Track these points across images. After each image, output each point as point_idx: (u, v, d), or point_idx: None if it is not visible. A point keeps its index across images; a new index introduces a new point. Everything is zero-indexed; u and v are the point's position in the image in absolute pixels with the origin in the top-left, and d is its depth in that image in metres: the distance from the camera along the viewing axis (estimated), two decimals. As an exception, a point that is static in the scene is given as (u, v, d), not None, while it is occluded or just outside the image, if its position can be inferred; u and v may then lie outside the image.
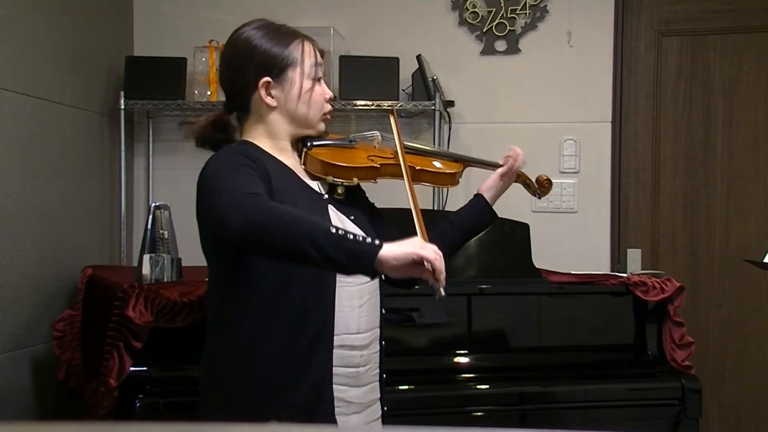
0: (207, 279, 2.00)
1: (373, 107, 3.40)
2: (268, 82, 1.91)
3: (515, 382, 2.71)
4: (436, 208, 3.42)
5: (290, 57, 1.92)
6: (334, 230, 1.66)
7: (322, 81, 1.99)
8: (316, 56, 1.97)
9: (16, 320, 2.82)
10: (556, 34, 3.60)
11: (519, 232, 2.92)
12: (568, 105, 3.60)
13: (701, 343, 3.30)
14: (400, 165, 1.99)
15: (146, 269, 2.65)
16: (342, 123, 3.53)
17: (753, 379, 3.54)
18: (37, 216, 2.93)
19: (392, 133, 2.06)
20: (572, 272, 2.94)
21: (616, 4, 3.60)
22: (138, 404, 2.38)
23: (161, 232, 2.67)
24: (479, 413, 2.65)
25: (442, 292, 1.69)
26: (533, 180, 2.25)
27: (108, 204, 3.49)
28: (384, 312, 2.01)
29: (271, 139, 1.95)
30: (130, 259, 3.49)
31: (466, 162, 2.20)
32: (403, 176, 1.97)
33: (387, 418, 2.02)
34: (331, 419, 1.87)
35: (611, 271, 3.31)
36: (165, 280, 2.66)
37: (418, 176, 2.06)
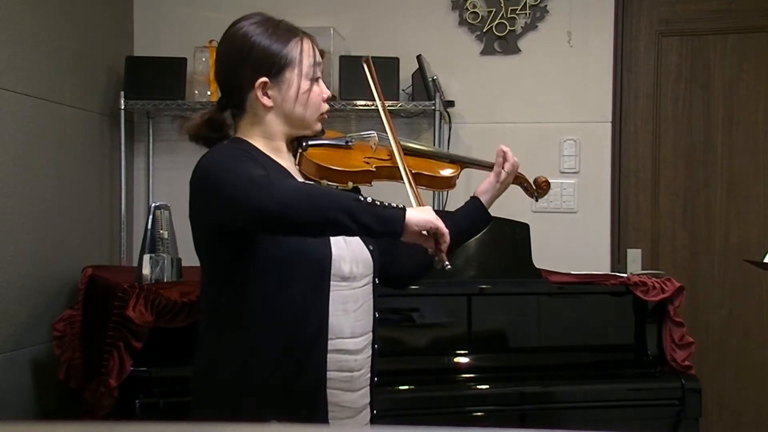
0: (200, 280, 1.97)
1: (373, 107, 3.40)
2: (265, 83, 1.88)
3: (515, 382, 2.71)
4: (435, 209, 3.42)
5: (288, 56, 1.89)
6: (362, 198, 1.69)
7: (320, 80, 1.95)
8: (314, 55, 1.93)
9: (16, 320, 2.82)
10: (556, 34, 3.60)
11: (519, 232, 2.92)
12: (568, 105, 3.60)
13: (701, 343, 3.30)
14: (395, 167, 1.97)
15: (146, 269, 2.65)
16: (342, 123, 3.53)
17: (753, 379, 3.54)
18: (37, 216, 2.93)
19: (371, 84, 2.05)
20: (572, 272, 2.94)
21: (616, 4, 3.60)
22: (138, 404, 2.39)
23: (161, 232, 2.67)
24: (479, 413, 2.65)
25: (448, 264, 1.75)
26: (531, 182, 2.23)
27: (108, 204, 3.49)
28: (377, 315, 2.00)
29: (266, 139, 1.93)
30: (130, 259, 3.49)
31: (464, 163, 2.17)
32: (399, 178, 1.96)
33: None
34: (324, 424, 1.85)
35: (611, 271, 3.31)
36: (165, 280, 2.66)
37: (413, 179, 2.01)
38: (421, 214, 1.72)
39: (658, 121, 3.62)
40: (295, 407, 1.83)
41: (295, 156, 1.96)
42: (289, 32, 1.92)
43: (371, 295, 1.97)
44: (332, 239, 1.86)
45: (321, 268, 1.85)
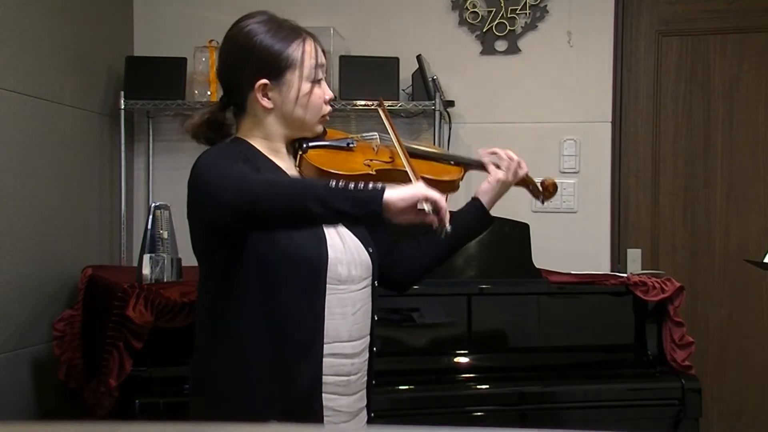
0: (198, 282, 1.97)
1: (373, 107, 3.40)
2: (265, 85, 1.86)
3: (515, 382, 2.71)
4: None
5: (290, 58, 1.87)
6: (334, 183, 1.63)
7: (322, 82, 1.93)
8: (317, 57, 1.91)
9: (16, 320, 2.82)
10: (556, 34, 3.60)
11: (519, 232, 2.92)
12: (568, 105, 3.60)
13: (701, 343, 3.30)
14: (396, 170, 1.96)
15: (146, 269, 2.64)
16: (342, 123, 3.53)
17: (753, 379, 3.54)
18: (37, 216, 2.93)
19: (387, 131, 2.02)
20: (572, 272, 2.94)
21: (616, 4, 3.60)
22: (138, 404, 2.38)
23: (161, 232, 2.67)
24: (479, 413, 2.65)
25: (449, 228, 1.68)
26: (537, 183, 2.21)
27: (108, 204, 3.49)
28: (377, 318, 1.99)
29: (266, 140, 1.92)
30: (130, 259, 3.49)
31: (467, 166, 2.13)
32: (399, 180, 1.92)
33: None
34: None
35: (611, 271, 3.31)
36: (165, 280, 2.66)
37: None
38: (404, 191, 1.64)
39: (658, 121, 3.62)
40: (290, 412, 1.81)
41: (295, 157, 1.95)
42: (292, 33, 1.90)
43: (370, 298, 1.96)
44: (329, 241, 1.85)
45: (316, 271, 1.83)
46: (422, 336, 2.77)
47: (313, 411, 1.84)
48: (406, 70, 3.44)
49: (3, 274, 2.74)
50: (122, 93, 3.44)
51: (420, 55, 3.44)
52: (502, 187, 2.10)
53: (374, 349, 1.98)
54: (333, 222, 1.79)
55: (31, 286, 2.89)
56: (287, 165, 1.93)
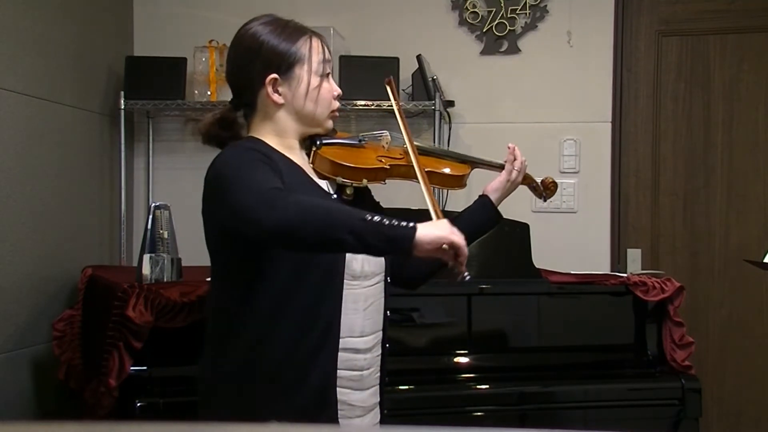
0: (210, 278, 1.98)
1: (373, 107, 3.40)
2: (275, 79, 1.88)
3: (515, 382, 2.71)
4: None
5: (298, 53, 1.89)
6: (369, 217, 1.65)
7: (330, 77, 1.96)
8: (324, 53, 1.94)
9: (16, 320, 2.82)
10: (556, 34, 3.60)
11: (519, 232, 2.92)
12: (568, 105, 3.60)
13: (701, 343, 3.30)
14: (409, 166, 1.97)
15: (146, 269, 2.64)
16: (342, 123, 3.51)
17: (753, 379, 3.54)
18: (37, 216, 2.93)
19: (393, 105, 2.05)
20: (572, 272, 2.94)
21: (616, 4, 3.60)
22: (138, 404, 2.38)
23: (161, 232, 2.67)
24: (479, 413, 2.65)
25: (467, 274, 1.71)
26: (539, 182, 2.25)
27: (108, 204, 3.49)
28: (389, 314, 2.00)
29: (279, 136, 1.93)
30: (130, 259, 3.49)
31: (474, 163, 2.18)
32: (412, 177, 1.96)
33: (387, 419, 2.01)
34: (334, 422, 1.86)
35: (611, 271, 3.31)
36: (165, 280, 2.65)
37: (427, 179, 2.00)
38: (433, 231, 1.67)
39: (658, 121, 3.62)
40: (304, 404, 1.83)
41: (308, 154, 1.96)
42: (297, 31, 1.93)
43: (382, 294, 1.97)
44: None
45: (334, 267, 1.85)
46: (422, 336, 2.77)
47: (327, 404, 1.86)
48: (406, 70, 3.44)
49: (3, 274, 2.74)
50: (122, 93, 3.44)
51: (420, 55, 3.44)
52: (512, 186, 2.14)
53: (386, 345, 1.99)
54: (358, 253, 1.81)
55: (31, 286, 2.89)
56: (301, 161, 1.94)
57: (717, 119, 3.58)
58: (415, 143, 2.06)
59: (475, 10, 3.62)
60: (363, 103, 3.39)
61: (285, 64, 1.89)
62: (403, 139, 2.01)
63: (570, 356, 2.83)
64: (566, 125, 3.60)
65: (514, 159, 2.12)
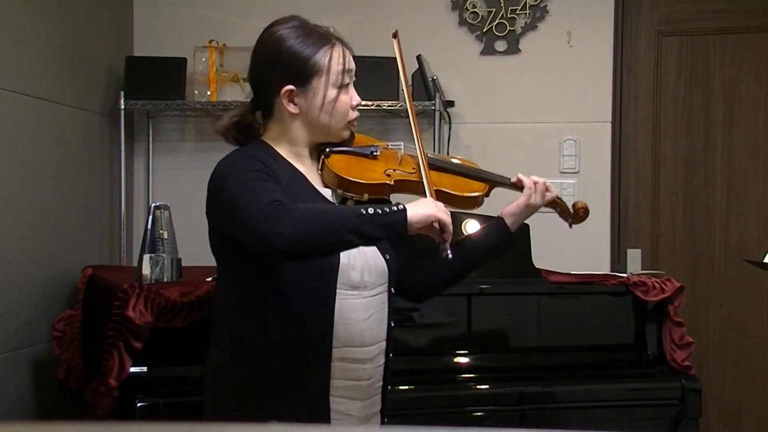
0: (210, 278, 1.99)
1: (373, 107, 3.40)
2: (291, 91, 1.88)
3: (515, 382, 2.71)
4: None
5: (317, 64, 1.88)
6: (364, 212, 1.70)
7: (350, 86, 1.94)
8: (344, 62, 1.91)
9: (16, 320, 2.82)
10: (556, 34, 3.60)
11: (519, 232, 2.91)
12: (568, 105, 3.60)
13: (701, 343, 3.30)
14: (418, 182, 1.95)
15: (146, 269, 2.64)
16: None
17: (753, 379, 3.54)
18: (37, 216, 2.93)
19: (396, 58, 2.09)
20: (572, 272, 2.94)
21: (616, 4, 3.60)
22: (138, 404, 2.38)
23: (161, 232, 2.67)
24: (479, 413, 2.65)
25: (449, 253, 1.80)
26: (569, 206, 2.16)
27: (108, 204, 3.49)
28: (393, 325, 1.99)
29: (290, 144, 1.93)
30: (130, 259, 3.49)
31: (492, 182, 2.07)
32: (420, 194, 1.93)
33: (386, 419, 2.01)
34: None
35: (611, 271, 3.30)
36: (165, 280, 2.65)
37: (438, 197, 1.92)
38: (422, 210, 1.75)
39: (658, 121, 3.62)
40: (297, 412, 1.83)
41: (318, 161, 1.96)
42: (321, 39, 1.91)
43: (386, 305, 1.96)
44: None
45: (326, 277, 1.85)
46: (422, 336, 2.77)
47: (320, 413, 1.85)
48: (406, 70, 3.43)
49: (3, 274, 2.74)
50: (122, 93, 3.44)
51: (420, 55, 3.44)
52: (531, 210, 2.07)
53: (390, 355, 1.98)
54: (366, 245, 1.84)
55: (31, 286, 2.89)
56: (308, 169, 1.94)
57: (717, 119, 3.58)
58: (431, 157, 2.04)
59: (475, 10, 3.62)
60: (363, 103, 3.38)
61: (303, 75, 1.88)
62: (416, 150, 1.99)
63: (570, 356, 2.83)
64: (566, 125, 3.60)
65: (533, 186, 2.04)
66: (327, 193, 1.94)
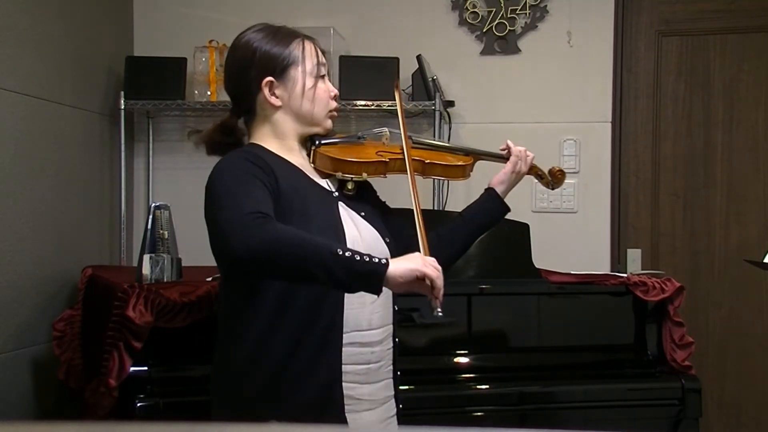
0: (210, 278, 2.00)
1: (373, 107, 3.40)
2: (272, 82, 1.92)
3: (515, 382, 2.71)
4: (436, 208, 3.42)
5: (291, 56, 1.94)
6: (341, 252, 1.66)
7: (326, 78, 2.00)
8: (317, 55, 1.98)
9: (16, 320, 2.82)
10: (556, 34, 3.60)
11: (519, 232, 2.92)
12: (568, 105, 3.60)
13: (701, 343, 3.30)
14: (408, 159, 2.00)
15: (146, 269, 2.64)
16: (342, 123, 3.52)
17: (753, 379, 3.54)
18: (37, 216, 2.93)
19: (398, 109, 2.11)
20: (572, 272, 2.94)
21: (616, 4, 3.60)
22: (138, 404, 2.38)
23: (161, 232, 2.67)
24: (479, 413, 2.65)
25: (439, 311, 1.72)
26: (546, 171, 2.28)
27: (108, 204, 3.49)
28: (397, 309, 2.01)
29: (279, 139, 1.96)
30: (130, 259, 3.49)
31: (477, 155, 2.20)
32: (409, 171, 1.98)
33: (401, 417, 2.01)
34: (341, 417, 1.87)
35: (611, 271, 3.30)
36: (165, 280, 2.65)
37: (428, 169, 2.07)
38: (406, 264, 1.69)
39: (658, 121, 3.62)
40: (311, 401, 1.85)
41: (309, 154, 1.99)
42: (289, 35, 1.97)
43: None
44: (347, 232, 1.88)
45: None
46: (422, 336, 2.77)
47: (333, 399, 1.87)
48: (406, 70, 3.44)
49: (3, 274, 2.74)
50: (122, 93, 3.44)
51: (420, 55, 3.44)
52: (517, 177, 2.18)
53: (396, 339, 2.00)
54: (327, 288, 1.80)
55: (31, 286, 2.89)
56: (301, 162, 1.97)
57: (717, 119, 3.58)
58: (417, 138, 2.11)
59: (475, 10, 3.62)
60: (363, 103, 3.39)
61: (280, 67, 1.93)
62: (401, 136, 2.04)
63: (570, 356, 2.83)
64: (566, 125, 3.60)
65: (517, 158, 2.17)
66: (324, 183, 1.97)
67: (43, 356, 2.92)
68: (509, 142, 2.20)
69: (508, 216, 2.73)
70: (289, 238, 1.69)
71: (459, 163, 2.13)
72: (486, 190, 2.18)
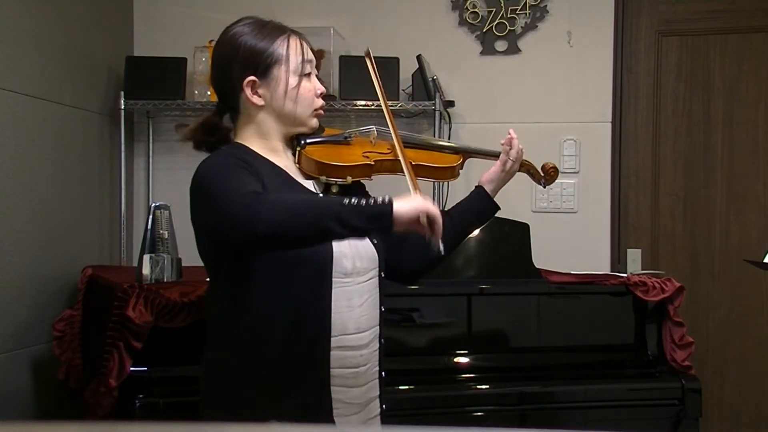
0: (207, 280, 1.99)
1: (372, 107, 3.40)
2: (254, 81, 1.89)
3: (515, 382, 2.71)
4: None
5: (275, 54, 1.90)
6: (347, 201, 1.68)
7: (312, 76, 1.95)
8: (303, 52, 1.93)
9: (16, 320, 2.82)
10: (556, 34, 3.60)
11: (519, 232, 2.92)
12: (568, 105, 3.60)
13: (701, 343, 3.30)
14: (395, 160, 1.97)
15: (146, 269, 2.64)
16: (342, 123, 3.53)
17: (753, 379, 3.54)
18: (37, 216, 2.93)
19: (373, 78, 2.05)
20: (572, 272, 2.94)
21: (616, 4, 3.60)
22: (138, 404, 2.38)
23: (161, 232, 2.67)
24: (479, 413, 2.65)
25: (441, 247, 1.75)
26: (538, 168, 2.22)
27: (108, 204, 3.49)
28: (383, 310, 2.00)
29: (263, 139, 1.93)
30: (130, 259, 3.49)
31: (466, 153, 2.15)
32: (398, 171, 1.96)
33: (386, 418, 2.01)
34: (329, 421, 1.86)
35: (611, 271, 3.31)
36: (165, 280, 2.66)
37: (415, 171, 2.00)
38: (408, 203, 1.71)
39: (658, 121, 3.62)
40: (300, 406, 1.84)
41: (294, 155, 1.96)
42: (275, 30, 1.93)
43: (377, 289, 1.97)
44: None
45: (322, 268, 1.85)
46: (422, 336, 2.77)
47: (322, 404, 1.86)
48: (406, 70, 3.44)
49: (3, 274, 2.74)
50: (122, 93, 3.44)
51: (420, 55, 3.44)
52: (507, 175, 2.11)
53: (382, 341, 1.99)
54: (347, 238, 1.82)
55: (31, 286, 2.89)
56: (286, 163, 1.95)
57: (717, 119, 3.58)
58: (404, 134, 2.06)
59: (475, 10, 3.62)
60: (363, 103, 3.39)
61: (263, 66, 1.89)
62: (391, 134, 2.01)
63: (570, 356, 2.83)
64: (566, 125, 3.60)
65: (510, 148, 2.09)
66: (309, 184, 1.96)
67: (43, 356, 2.92)
68: (511, 131, 2.12)
69: (508, 216, 2.74)
70: (295, 202, 1.73)
71: (446, 165, 2.09)
72: (475, 188, 2.12)
